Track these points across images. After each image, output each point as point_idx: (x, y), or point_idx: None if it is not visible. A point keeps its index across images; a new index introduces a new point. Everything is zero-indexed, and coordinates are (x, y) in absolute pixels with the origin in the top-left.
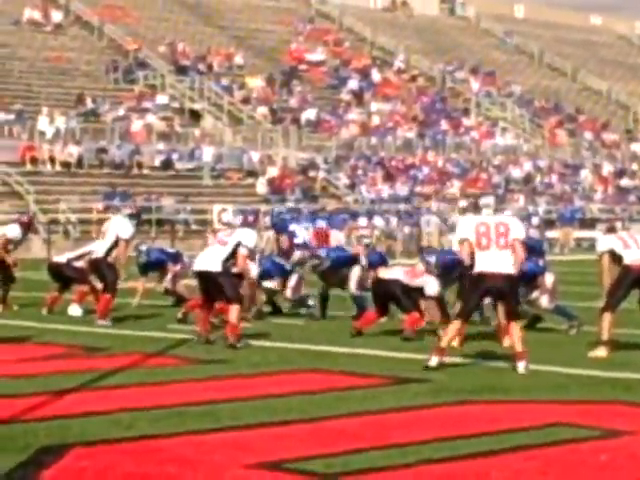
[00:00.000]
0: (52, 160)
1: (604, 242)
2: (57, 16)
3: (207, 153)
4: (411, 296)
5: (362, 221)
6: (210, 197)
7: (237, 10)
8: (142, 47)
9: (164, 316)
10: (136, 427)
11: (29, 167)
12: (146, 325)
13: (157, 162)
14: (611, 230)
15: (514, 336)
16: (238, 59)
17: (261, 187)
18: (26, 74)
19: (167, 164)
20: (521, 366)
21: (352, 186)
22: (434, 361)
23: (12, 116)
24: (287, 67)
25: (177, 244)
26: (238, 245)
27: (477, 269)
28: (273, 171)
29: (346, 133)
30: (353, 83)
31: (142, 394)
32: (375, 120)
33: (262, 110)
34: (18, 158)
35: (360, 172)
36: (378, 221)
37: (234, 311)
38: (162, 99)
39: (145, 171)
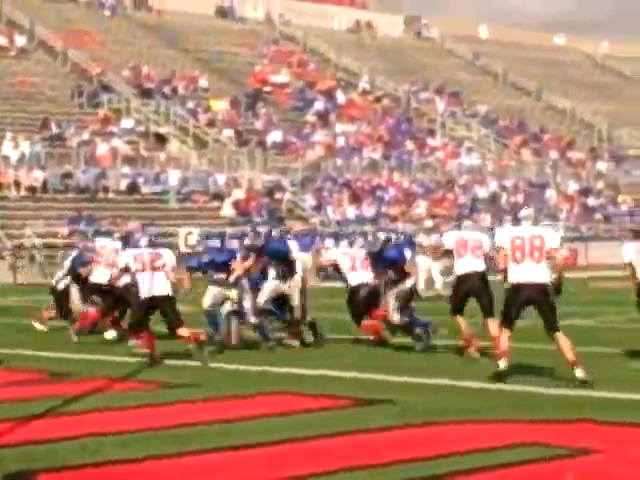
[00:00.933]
0: (17, 185)
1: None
2: (21, 41)
3: (173, 176)
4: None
5: (328, 243)
6: (176, 220)
7: (201, 33)
8: (106, 71)
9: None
10: (102, 452)
11: None
12: (112, 349)
13: (123, 186)
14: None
15: (563, 346)
16: (203, 82)
17: (227, 209)
18: None
19: (133, 188)
20: (579, 373)
21: (318, 207)
22: (503, 364)
23: None
24: (252, 89)
25: None
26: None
27: (513, 280)
28: (239, 193)
29: (312, 155)
30: (318, 104)
31: (108, 419)
32: (340, 141)
33: (227, 133)
34: None
35: (326, 194)
36: (344, 243)
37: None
38: (127, 123)
39: (111, 195)
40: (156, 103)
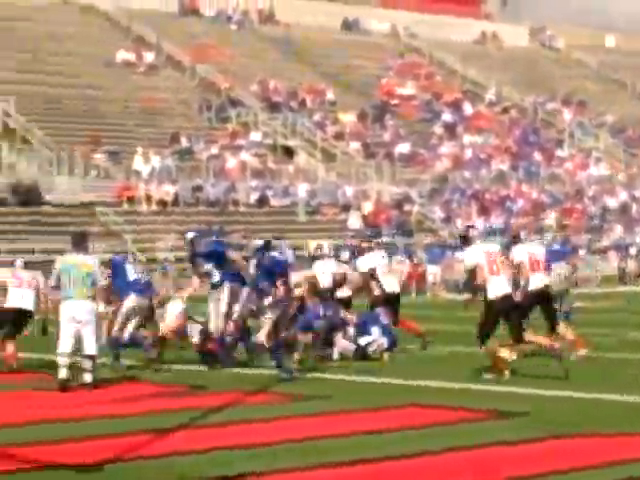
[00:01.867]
0: (148, 199)
1: None
2: (149, 57)
3: (301, 189)
4: None
5: (458, 255)
6: (305, 233)
7: (328, 46)
8: (234, 85)
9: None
10: (235, 465)
11: (126, 206)
12: (248, 362)
13: (252, 199)
14: None
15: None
16: (330, 95)
17: (353, 221)
18: (120, 114)
19: (262, 201)
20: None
21: (447, 219)
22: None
23: (107, 157)
24: (379, 102)
25: None
26: None
27: None
28: (368, 206)
29: (439, 166)
30: (445, 116)
31: (241, 432)
32: (468, 153)
33: (355, 145)
34: (115, 198)
35: (455, 205)
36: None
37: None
38: (255, 136)
39: (241, 208)
40: (284, 116)
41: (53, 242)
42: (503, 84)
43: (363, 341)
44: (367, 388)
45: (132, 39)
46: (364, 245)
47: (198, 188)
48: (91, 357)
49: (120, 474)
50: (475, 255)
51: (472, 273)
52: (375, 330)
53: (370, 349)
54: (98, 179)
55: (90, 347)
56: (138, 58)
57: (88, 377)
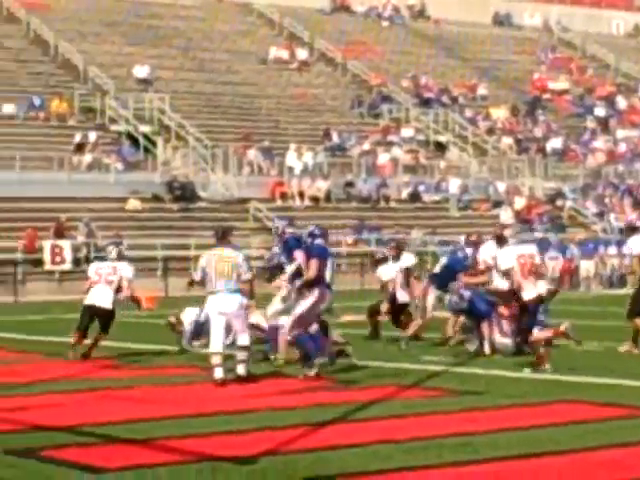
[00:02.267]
0: (301, 195)
1: None
2: (302, 54)
3: (453, 184)
4: None
5: (612, 250)
6: (457, 228)
7: (479, 41)
8: (385, 81)
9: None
10: (394, 459)
11: (279, 202)
12: (399, 357)
13: (404, 195)
14: None
15: None
16: (482, 90)
17: (506, 217)
18: (274, 111)
19: (414, 196)
20: None
21: (600, 214)
22: None
23: (260, 153)
24: (531, 97)
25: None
26: None
27: None
28: (520, 201)
29: (592, 161)
30: (598, 110)
31: (397, 426)
32: (622, 147)
33: (507, 140)
34: (268, 194)
35: (608, 200)
36: (627, 249)
37: None
38: (407, 132)
39: (392, 204)
40: (435, 112)
41: (208, 238)
42: None
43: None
44: (521, 383)
45: (286, 36)
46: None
47: (350, 184)
48: (245, 348)
49: (276, 467)
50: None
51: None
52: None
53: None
54: (251, 175)
55: (243, 338)
56: (291, 55)
57: (242, 369)
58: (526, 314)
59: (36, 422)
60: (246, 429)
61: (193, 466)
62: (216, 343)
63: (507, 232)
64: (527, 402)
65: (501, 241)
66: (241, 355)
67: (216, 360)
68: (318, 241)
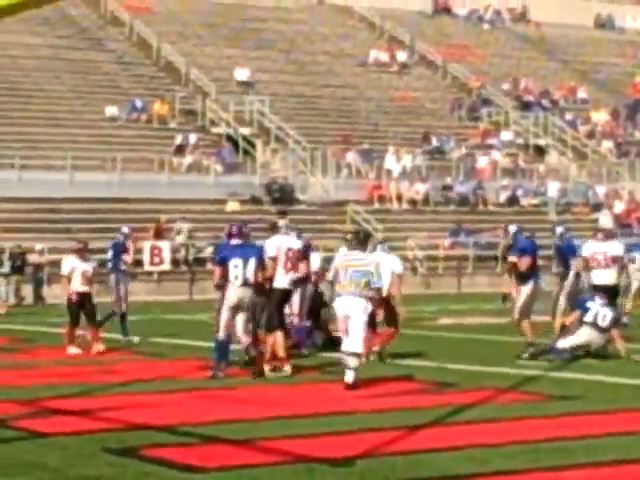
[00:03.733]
0: (399, 198)
1: None
2: (402, 56)
3: (552, 188)
4: None
5: None
6: None
7: (580, 44)
8: (485, 84)
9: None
10: (490, 463)
11: (377, 205)
12: (494, 361)
13: (502, 198)
14: None
15: None
16: (582, 93)
17: (605, 220)
18: (373, 114)
19: (512, 200)
20: None
21: None
22: None
23: (359, 156)
24: (632, 100)
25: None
26: None
27: None
28: (619, 205)
29: None
30: None
31: (494, 430)
32: None
33: (607, 144)
34: (366, 196)
35: None
36: None
37: None
38: (506, 135)
39: (490, 207)
40: (535, 115)
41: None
42: None
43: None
44: (620, 389)
45: (386, 38)
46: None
47: (448, 187)
48: (354, 354)
49: (372, 469)
50: None
51: None
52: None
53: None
54: (350, 178)
55: (354, 344)
56: (391, 57)
57: (350, 376)
58: None
59: (134, 421)
60: (343, 431)
61: (289, 467)
62: (353, 344)
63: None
64: (625, 407)
65: None
66: (350, 362)
67: (353, 362)
68: (234, 241)
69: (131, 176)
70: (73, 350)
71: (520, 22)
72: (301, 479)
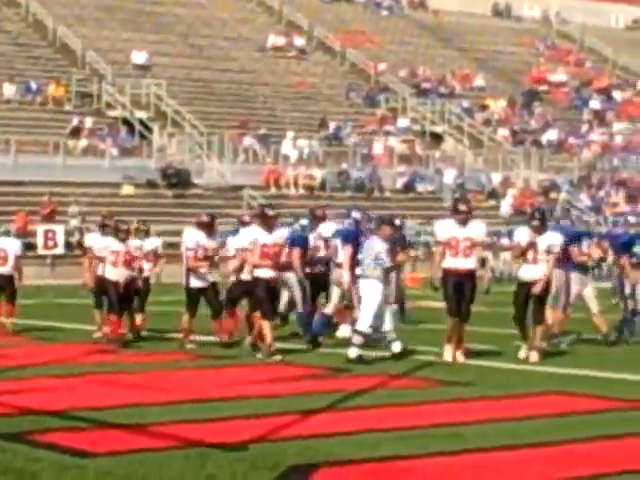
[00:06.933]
0: (296, 183)
1: None
2: (300, 42)
3: (448, 175)
4: None
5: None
6: None
7: (478, 32)
8: (383, 71)
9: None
10: (381, 448)
11: (273, 190)
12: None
13: (399, 184)
14: None
15: None
16: (479, 81)
17: (505, 208)
18: (271, 99)
19: (408, 186)
20: None
21: (594, 207)
22: None
23: (256, 141)
24: (528, 88)
25: (417, 266)
26: None
27: None
28: (513, 193)
29: (588, 154)
30: (595, 103)
31: (385, 415)
32: (617, 140)
33: (503, 132)
34: (263, 181)
35: (602, 193)
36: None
37: None
38: (403, 122)
39: (387, 194)
40: (432, 102)
41: None
42: None
43: None
44: (510, 375)
45: (284, 23)
46: None
47: (344, 173)
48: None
49: (263, 454)
50: None
51: None
52: None
53: None
54: (246, 163)
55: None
56: (289, 43)
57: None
58: None
59: (26, 406)
60: (235, 416)
61: (181, 452)
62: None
63: None
64: (515, 393)
65: None
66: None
67: (357, 340)
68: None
69: (25, 159)
70: None
71: (419, 9)
72: (193, 464)
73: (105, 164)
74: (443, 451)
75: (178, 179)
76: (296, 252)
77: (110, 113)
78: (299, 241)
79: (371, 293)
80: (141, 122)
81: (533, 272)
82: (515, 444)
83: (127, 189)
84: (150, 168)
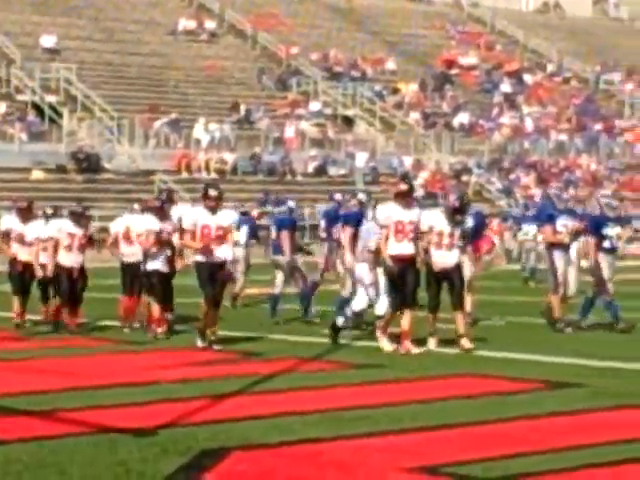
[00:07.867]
0: (207, 167)
1: None
2: (211, 25)
3: (360, 159)
4: None
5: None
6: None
7: (389, 15)
8: (295, 54)
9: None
10: (294, 431)
11: (185, 175)
12: (301, 330)
13: (310, 168)
14: None
15: None
16: (390, 64)
17: (417, 191)
18: (182, 83)
19: (320, 170)
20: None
21: (505, 190)
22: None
23: (167, 125)
24: (439, 71)
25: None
26: None
27: None
28: (425, 175)
29: (499, 137)
30: (505, 87)
31: (298, 398)
32: (528, 123)
33: (414, 115)
34: (174, 166)
35: (513, 176)
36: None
37: None
38: (315, 106)
39: (298, 177)
40: (344, 86)
41: (112, 209)
42: (565, 54)
43: None
44: (423, 358)
45: (195, 7)
46: None
47: (256, 157)
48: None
49: (175, 439)
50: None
51: None
52: None
53: None
54: (158, 147)
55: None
56: (200, 26)
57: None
58: None
59: None
60: (147, 401)
61: (91, 437)
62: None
63: None
64: (428, 375)
65: None
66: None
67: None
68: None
69: None
70: None
71: None
72: (103, 450)
73: (15, 149)
74: (355, 434)
75: (88, 164)
76: (284, 234)
77: (19, 97)
78: (287, 223)
79: (365, 276)
80: (51, 106)
81: (446, 258)
82: (425, 426)
83: (37, 174)
84: (60, 153)
